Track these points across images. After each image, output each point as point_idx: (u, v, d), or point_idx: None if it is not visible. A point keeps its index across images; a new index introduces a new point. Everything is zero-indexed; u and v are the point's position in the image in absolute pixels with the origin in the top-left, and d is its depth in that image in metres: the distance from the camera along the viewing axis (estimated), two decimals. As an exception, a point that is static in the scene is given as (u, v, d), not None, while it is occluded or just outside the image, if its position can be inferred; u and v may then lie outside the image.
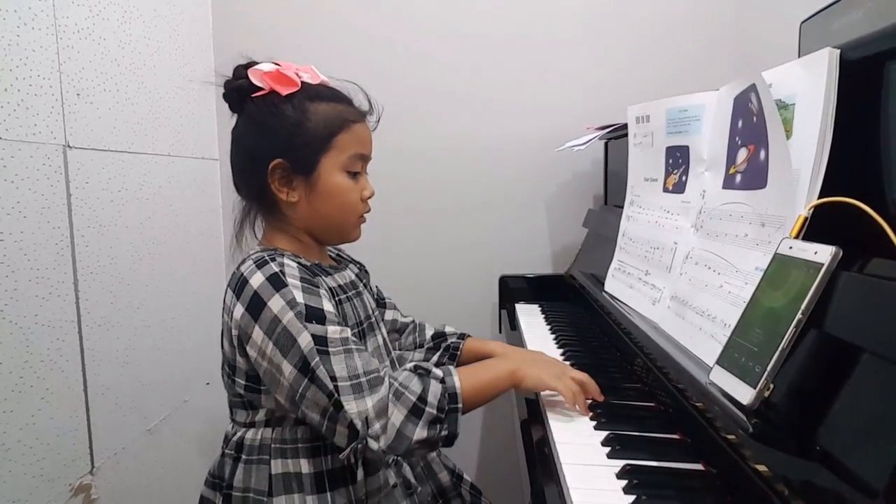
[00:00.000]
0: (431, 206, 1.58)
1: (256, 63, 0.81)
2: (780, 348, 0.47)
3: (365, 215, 0.87)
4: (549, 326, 1.19)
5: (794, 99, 0.56)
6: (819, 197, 0.52)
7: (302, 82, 0.80)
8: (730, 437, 0.57)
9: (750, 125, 0.64)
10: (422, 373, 0.75)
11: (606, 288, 1.01)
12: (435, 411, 0.71)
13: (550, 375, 0.77)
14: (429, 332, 1.04)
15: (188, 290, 1.41)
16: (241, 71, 0.81)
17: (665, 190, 0.87)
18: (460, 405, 0.73)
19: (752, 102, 0.63)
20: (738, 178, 0.66)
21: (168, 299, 1.32)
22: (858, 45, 0.50)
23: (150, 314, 1.25)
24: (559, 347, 1.05)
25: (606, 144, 1.46)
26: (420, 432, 0.70)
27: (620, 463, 0.61)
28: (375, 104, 0.86)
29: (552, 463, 0.67)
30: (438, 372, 0.75)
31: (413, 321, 1.07)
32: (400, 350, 1.03)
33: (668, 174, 0.87)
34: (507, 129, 1.57)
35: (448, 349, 1.00)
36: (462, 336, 1.02)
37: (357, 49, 1.53)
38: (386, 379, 0.72)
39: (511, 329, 1.33)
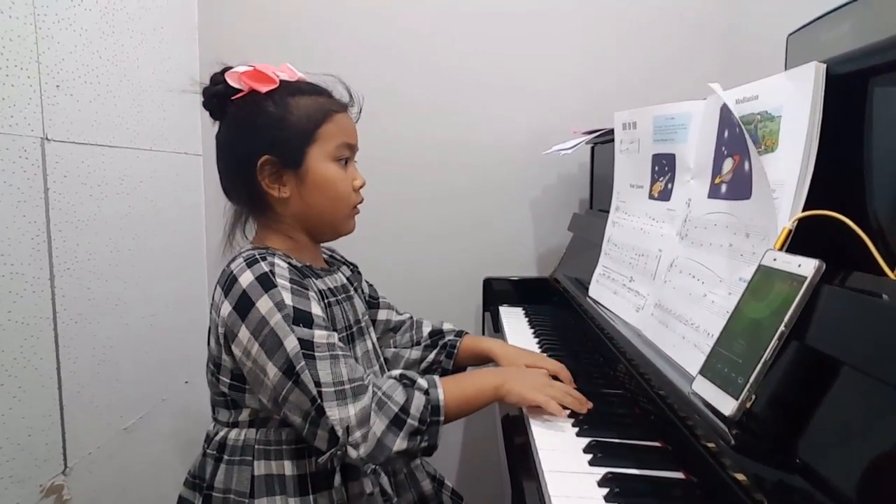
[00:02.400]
0: (416, 207, 1.58)
1: (232, 67, 0.80)
2: (762, 360, 0.47)
3: (358, 206, 0.86)
4: (532, 330, 1.19)
5: (781, 111, 0.56)
6: (804, 209, 0.53)
7: (280, 79, 0.80)
8: (710, 445, 0.57)
9: (735, 136, 0.64)
10: (406, 383, 0.74)
11: (591, 293, 1.01)
12: (416, 423, 0.71)
13: (531, 389, 0.77)
14: (426, 329, 1.03)
15: (168, 286, 1.39)
16: (218, 76, 0.80)
17: (651, 197, 0.88)
18: (442, 418, 0.73)
19: (733, 114, 0.63)
20: (724, 187, 0.67)
21: (147, 296, 1.30)
22: (844, 59, 0.51)
23: (128, 311, 1.23)
24: (542, 352, 1.05)
25: (593, 149, 1.46)
26: (400, 443, 0.70)
27: (602, 471, 0.61)
28: (356, 95, 0.87)
29: (534, 469, 0.67)
30: (423, 382, 0.75)
31: (410, 318, 1.06)
32: (396, 348, 1.02)
33: (654, 181, 0.87)
34: (493, 131, 1.56)
35: (445, 347, 1.00)
36: (460, 333, 1.02)
37: (343, 49, 1.52)
38: (370, 388, 0.72)
39: (495, 331, 1.33)
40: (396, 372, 0.77)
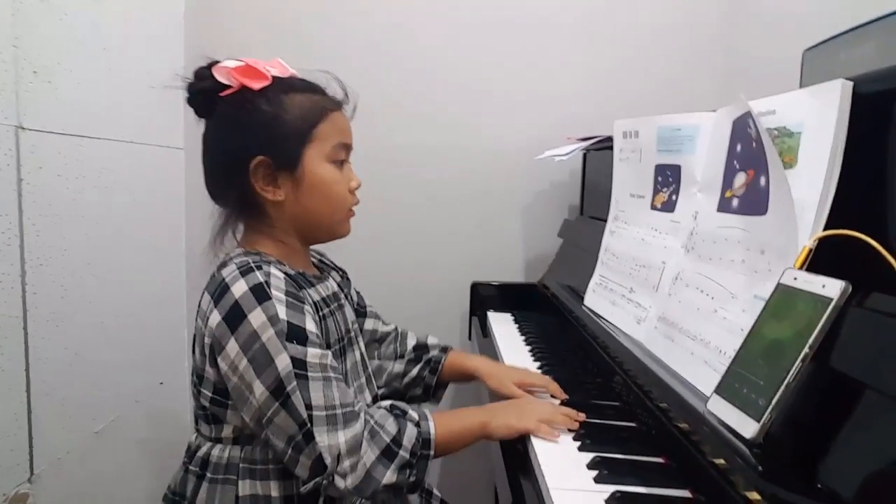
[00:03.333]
0: (403, 211, 1.55)
1: (218, 62, 0.76)
2: (785, 382, 0.46)
3: (353, 209, 0.83)
4: (523, 337, 1.18)
5: (801, 127, 0.56)
6: (824, 228, 0.52)
7: (272, 76, 0.76)
8: (718, 463, 0.56)
9: (749, 150, 0.63)
10: (398, 413, 0.72)
11: (586, 302, 1.00)
12: (408, 455, 0.69)
13: (519, 418, 0.75)
14: (410, 343, 1.00)
15: (145, 284, 1.33)
16: (205, 71, 0.76)
17: (653, 207, 0.87)
18: (432, 452, 0.71)
19: (750, 127, 0.62)
20: (736, 202, 0.66)
21: (123, 294, 1.24)
22: (872, 79, 0.50)
23: (103, 309, 1.17)
24: (535, 360, 1.03)
25: (585, 155, 1.45)
26: (390, 476, 0.67)
27: (608, 488, 0.60)
28: (350, 92, 0.83)
29: (537, 486, 0.65)
30: (414, 414, 0.73)
31: (395, 329, 1.03)
32: (379, 360, 0.99)
33: (656, 192, 0.86)
34: (483, 136, 1.55)
35: (430, 362, 0.97)
36: (445, 349, 0.99)
37: (334, 47, 1.48)
38: (362, 415, 0.69)
39: (483, 336, 1.31)
40: (386, 403, 0.74)
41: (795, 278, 0.51)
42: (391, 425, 0.69)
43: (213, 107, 0.76)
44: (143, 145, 1.31)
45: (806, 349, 0.46)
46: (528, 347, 1.11)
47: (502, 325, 1.28)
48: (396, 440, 0.68)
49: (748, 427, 0.47)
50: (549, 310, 1.31)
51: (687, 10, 1.52)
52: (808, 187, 0.54)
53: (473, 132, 1.54)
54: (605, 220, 1.07)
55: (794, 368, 0.46)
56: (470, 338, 1.46)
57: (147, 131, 1.32)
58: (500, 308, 1.44)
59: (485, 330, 1.35)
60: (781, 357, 0.48)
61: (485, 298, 1.47)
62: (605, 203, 1.20)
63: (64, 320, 1.06)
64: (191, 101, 0.77)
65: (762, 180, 0.60)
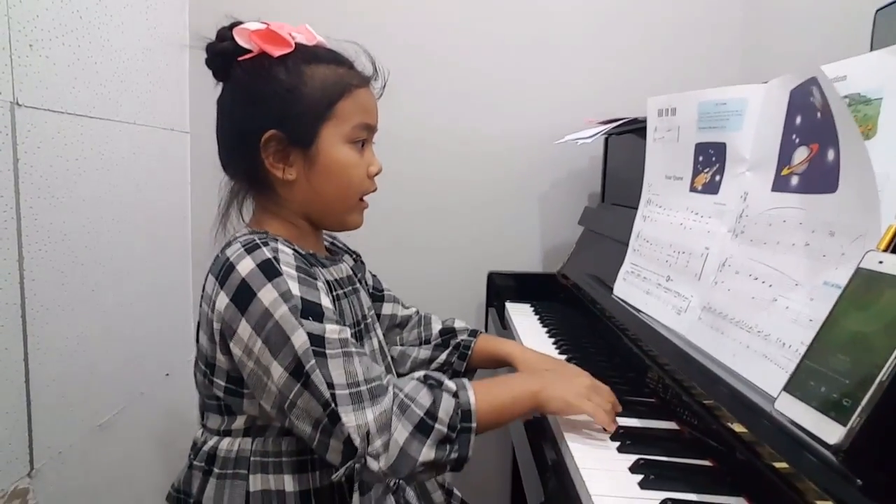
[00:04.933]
0: (417, 199, 1.50)
1: (242, 23, 0.70)
2: (877, 381, 0.40)
3: (366, 199, 0.77)
4: (546, 329, 1.12)
5: (881, 93, 0.49)
6: (913, 205, 0.46)
7: (296, 43, 0.70)
8: (780, 467, 0.50)
9: (813, 122, 0.57)
10: (432, 384, 0.65)
11: (616, 292, 0.94)
12: (445, 429, 0.62)
13: (577, 396, 0.68)
14: (436, 327, 0.94)
15: (149, 272, 1.28)
16: (226, 32, 0.70)
17: (693, 190, 0.80)
18: (474, 424, 0.63)
19: (814, 97, 0.56)
20: (795, 179, 0.59)
21: (126, 282, 1.19)
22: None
23: (105, 298, 1.12)
24: (560, 354, 0.98)
25: (606, 140, 1.39)
26: (427, 452, 0.60)
27: (657, 496, 0.54)
28: (380, 68, 0.77)
29: (573, 491, 0.59)
30: (451, 384, 0.66)
31: (417, 313, 0.97)
32: (402, 346, 0.93)
33: (697, 173, 0.80)
34: (500, 121, 1.49)
35: (458, 347, 0.91)
36: (474, 333, 0.93)
37: (347, 35, 1.42)
38: (390, 388, 0.63)
39: (502, 328, 1.25)
40: (419, 373, 0.68)
41: (881, 262, 0.45)
42: (424, 397, 0.63)
43: (230, 71, 0.70)
44: (146, 127, 1.25)
45: (900, 342, 0.40)
46: (552, 340, 1.05)
47: (522, 317, 1.22)
48: (431, 413, 0.62)
49: (831, 431, 0.42)
50: (570, 300, 1.25)
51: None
52: (890, 159, 0.47)
53: (490, 117, 1.49)
54: (629, 207, 1.01)
55: (888, 365, 0.40)
56: (486, 329, 1.40)
57: (150, 113, 1.27)
58: (518, 299, 1.38)
59: (503, 321, 1.29)
60: (869, 351, 0.42)
61: (502, 289, 1.41)
62: (629, 189, 1.14)
63: (64, 309, 1.01)
64: (209, 63, 0.72)
65: (830, 154, 0.53)
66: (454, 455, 0.62)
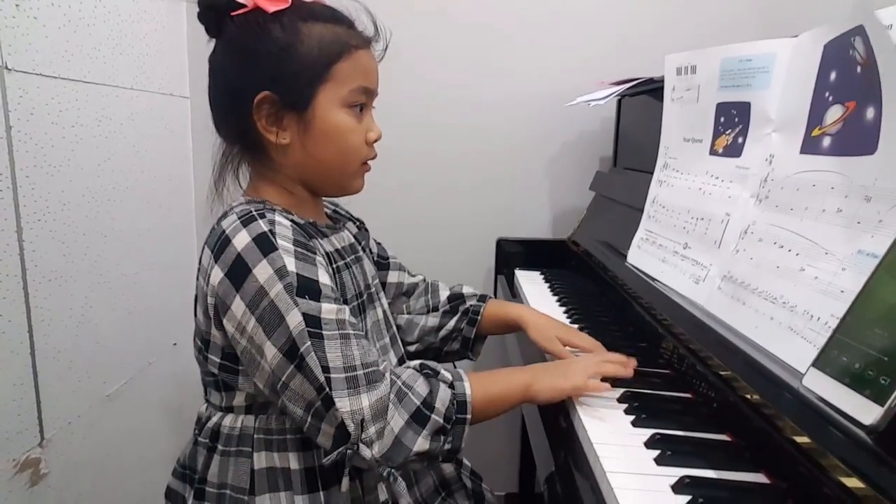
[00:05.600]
0: (423, 163, 1.45)
1: None
2: (918, 357, 0.37)
3: (369, 163, 0.74)
4: (556, 298, 1.10)
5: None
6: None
7: None
8: (800, 440, 0.48)
9: (850, 78, 0.53)
10: (428, 373, 0.64)
11: (630, 260, 0.91)
12: (441, 420, 0.60)
13: (563, 376, 0.67)
14: (443, 294, 0.92)
15: (153, 241, 1.26)
16: None
17: (713, 153, 0.76)
18: (469, 416, 0.62)
19: (855, 50, 0.52)
20: (827, 141, 0.56)
21: (130, 251, 1.17)
22: None
23: (108, 268, 1.10)
24: (572, 322, 0.95)
25: (619, 102, 1.34)
26: (421, 442, 0.59)
27: (674, 472, 0.52)
28: (382, 28, 0.72)
29: (586, 466, 0.57)
30: (447, 374, 0.64)
31: (424, 280, 0.94)
32: (410, 314, 0.91)
33: (717, 135, 0.76)
34: (509, 84, 1.43)
35: (467, 313, 0.88)
36: (483, 298, 0.90)
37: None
38: (387, 375, 0.61)
39: (511, 296, 1.23)
40: (415, 362, 0.66)
41: (924, 230, 0.41)
42: (421, 386, 0.62)
43: (222, 26, 0.66)
44: (144, 92, 1.21)
45: (944, 317, 0.37)
46: (563, 308, 1.03)
47: (532, 284, 1.20)
48: (428, 403, 0.61)
49: (867, 410, 0.39)
50: (581, 268, 1.22)
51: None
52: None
53: (498, 79, 1.43)
54: (643, 172, 0.97)
55: (929, 340, 0.37)
56: (495, 296, 1.38)
57: (149, 77, 1.23)
58: (527, 266, 1.36)
59: (512, 289, 1.27)
60: (909, 326, 0.39)
61: (511, 255, 1.38)
62: (642, 153, 1.10)
63: (67, 280, 0.99)
64: (200, 18, 0.67)
65: (869, 112, 0.49)
66: (447, 446, 0.61)
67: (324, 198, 0.80)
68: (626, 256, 0.93)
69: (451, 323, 0.89)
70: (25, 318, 0.90)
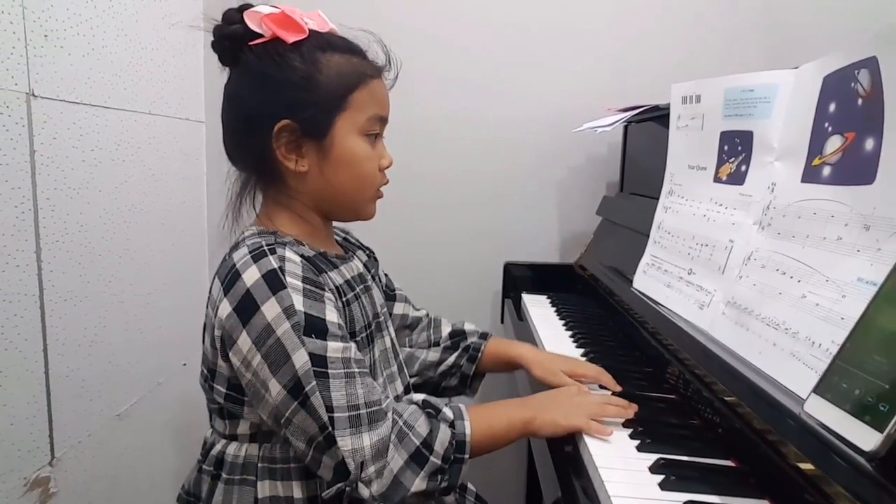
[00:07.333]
0: (433, 189, 1.48)
1: (252, 6, 0.68)
2: (917, 385, 0.38)
3: (382, 189, 0.76)
4: (563, 322, 1.10)
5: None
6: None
7: (309, 30, 0.68)
8: (804, 466, 0.48)
9: (850, 109, 0.54)
10: (430, 412, 0.65)
11: (636, 285, 0.92)
12: (440, 461, 0.62)
13: (565, 415, 0.68)
14: (445, 329, 0.93)
15: (166, 263, 1.29)
16: (235, 15, 0.68)
17: (717, 180, 0.78)
18: (467, 456, 0.63)
19: (858, 82, 0.53)
20: (827, 170, 0.57)
21: (143, 273, 1.20)
22: None
23: (122, 289, 1.12)
24: (578, 347, 0.96)
25: (626, 128, 1.36)
26: (419, 483, 0.60)
27: (678, 497, 0.53)
28: (393, 58, 0.74)
29: (591, 487, 0.58)
30: (449, 413, 0.65)
31: (427, 315, 0.96)
32: (411, 347, 0.92)
33: (721, 162, 0.77)
34: (517, 109, 1.46)
35: (468, 350, 0.90)
36: (484, 335, 0.92)
37: (358, 22, 1.40)
38: (389, 414, 0.62)
39: (518, 319, 1.24)
40: (419, 397, 0.67)
41: (921, 258, 0.42)
42: (422, 426, 0.63)
43: (238, 55, 0.68)
44: (161, 117, 1.25)
45: (942, 344, 0.38)
46: (569, 333, 1.03)
47: (539, 308, 1.21)
48: (427, 443, 0.62)
49: (867, 436, 0.40)
50: (588, 292, 1.23)
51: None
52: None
53: (506, 104, 1.46)
54: (649, 198, 0.99)
55: (927, 368, 0.38)
56: (502, 321, 1.39)
57: (166, 102, 1.26)
58: (534, 290, 1.37)
59: (519, 313, 1.27)
60: (907, 353, 0.40)
61: (518, 279, 1.40)
62: (649, 178, 1.11)
63: (82, 300, 1.01)
64: (215, 46, 0.70)
65: (868, 143, 0.51)
66: (444, 485, 0.62)
67: (335, 224, 0.82)
68: (632, 281, 0.94)
69: (451, 359, 0.90)
70: (41, 337, 0.92)
